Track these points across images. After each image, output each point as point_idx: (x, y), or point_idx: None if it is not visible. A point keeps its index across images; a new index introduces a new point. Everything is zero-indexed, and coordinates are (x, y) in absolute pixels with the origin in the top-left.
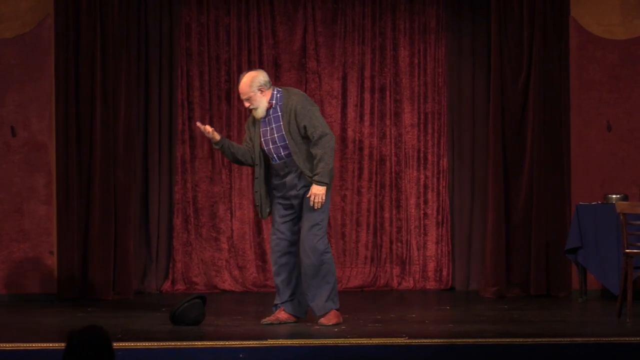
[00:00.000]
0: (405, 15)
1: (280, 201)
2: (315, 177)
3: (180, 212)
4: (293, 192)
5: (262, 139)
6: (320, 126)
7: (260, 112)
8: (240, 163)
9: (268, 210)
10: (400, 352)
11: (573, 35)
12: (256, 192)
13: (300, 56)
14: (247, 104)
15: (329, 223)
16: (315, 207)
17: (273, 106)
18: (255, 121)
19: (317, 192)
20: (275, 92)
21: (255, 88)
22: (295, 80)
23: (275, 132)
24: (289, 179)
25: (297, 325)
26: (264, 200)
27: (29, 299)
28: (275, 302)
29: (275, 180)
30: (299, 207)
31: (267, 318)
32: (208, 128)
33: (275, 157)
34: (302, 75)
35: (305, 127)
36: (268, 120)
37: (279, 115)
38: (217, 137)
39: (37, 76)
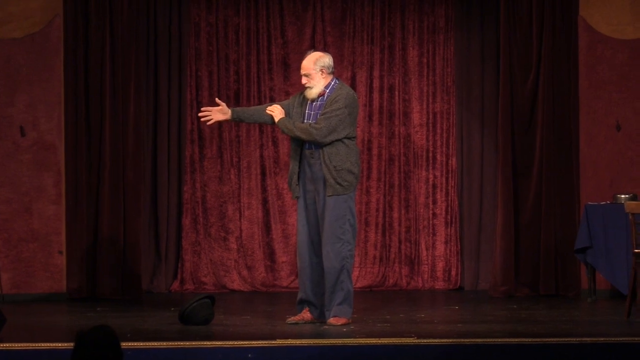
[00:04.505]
0: (414, 14)
1: (308, 188)
2: (287, 119)
3: (189, 212)
4: (319, 186)
5: (304, 121)
6: (327, 126)
7: (313, 92)
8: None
9: (296, 194)
10: (409, 352)
11: (582, 35)
12: (291, 170)
13: None
14: (304, 80)
15: None
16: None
17: (325, 95)
18: (304, 101)
19: (276, 116)
20: (333, 83)
21: (318, 67)
22: None
23: (313, 119)
24: (316, 169)
25: (306, 325)
26: (294, 180)
27: (38, 299)
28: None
29: (306, 167)
30: (321, 207)
31: (293, 317)
32: (219, 102)
33: (307, 144)
34: None
35: (324, 114)
36: (315, 105)
37: (323, 104)
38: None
39: (47, 76)
